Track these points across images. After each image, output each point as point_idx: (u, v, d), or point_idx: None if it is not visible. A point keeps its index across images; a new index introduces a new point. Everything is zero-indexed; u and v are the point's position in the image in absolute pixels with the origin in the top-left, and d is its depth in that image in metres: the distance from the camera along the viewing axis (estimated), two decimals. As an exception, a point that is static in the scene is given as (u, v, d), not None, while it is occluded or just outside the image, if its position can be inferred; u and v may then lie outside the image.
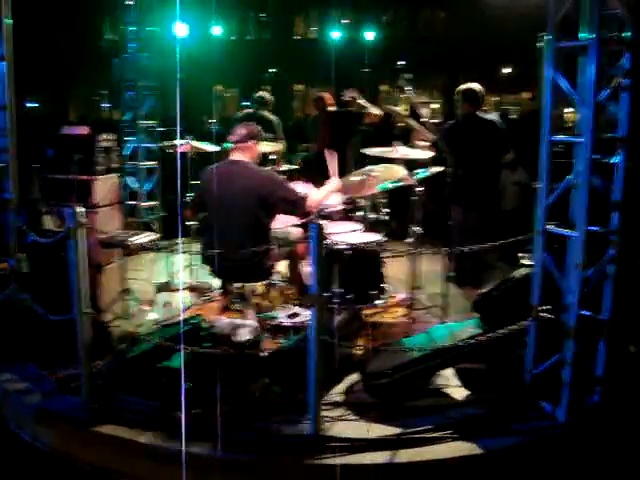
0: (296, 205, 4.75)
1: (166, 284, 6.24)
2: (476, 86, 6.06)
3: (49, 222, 5.16)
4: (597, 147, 3.51)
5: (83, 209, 3.86)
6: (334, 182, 5.04)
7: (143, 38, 8.18)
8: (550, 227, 3.66)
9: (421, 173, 5.23)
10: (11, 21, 4.55)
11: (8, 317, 4.73)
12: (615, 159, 3.58)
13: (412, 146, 5.69)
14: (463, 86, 6.10)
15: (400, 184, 5.20)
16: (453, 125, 6.12)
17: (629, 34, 3.45)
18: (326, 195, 4.94)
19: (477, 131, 5.98)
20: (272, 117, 7.89)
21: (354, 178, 5.45)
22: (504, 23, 19.90)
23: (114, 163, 5.90)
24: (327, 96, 7.92)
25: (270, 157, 6.80)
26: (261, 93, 8.05)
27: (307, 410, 3.54)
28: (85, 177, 5.49)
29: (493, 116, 6.51)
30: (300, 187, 5.91)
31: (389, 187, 5.24)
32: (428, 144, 5.56)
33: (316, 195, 4.84)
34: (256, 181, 4.68)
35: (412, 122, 5.76)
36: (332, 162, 5.07)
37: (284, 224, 5.26)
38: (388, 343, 4.68)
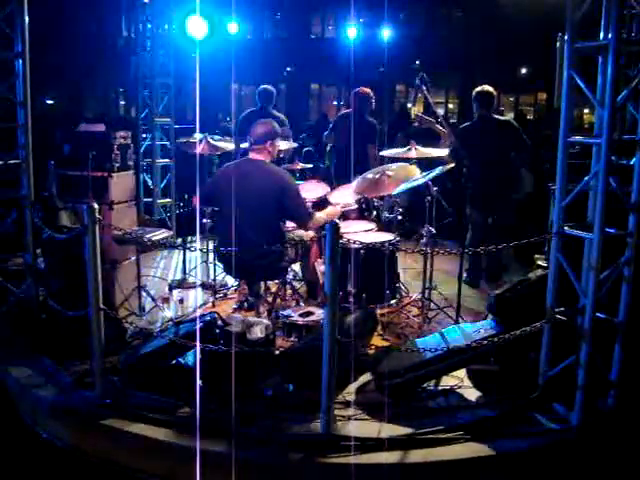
0: (301, 218, 4.82)
1: (180, 281, 6.26)
2: (488, 88, 6.14)
3: (65, 218, 5.19)
4: (615, 148, 3.47)
5: (98, 206, 3.88)
6: (336, 209, 5.21)
7: (159, 36, 8.23)
8: (566, 228, 3.64)
9: (434, 172, 5.21)
10: (27, 18, 4.58)
11: (24, 312, 4.76)
12: (633, 161, 3.55)
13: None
14: (477, 89, 6.15)
15: (416, 184, 5.19)
16: (469, 126, 6.17)
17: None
18: (326, 221, 4.93)
19: (493, 131, 6.01)
20: (278, 114, 7.49)
21: (369, 177, 5.45)
22: (521, 23, 19.81)
23: (130, 160, 5.93)
24: (372, 94, 7.31)
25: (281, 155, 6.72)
26: (266, 87, 7.58)
27: (319, 409, 3.54)
28: (101, 174, 5.52)
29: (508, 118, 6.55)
30: (314, 186, 5.92)
31: (407, 188, 5.23)
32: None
33: (320, 216, 4.87)
34: (273, 182, 4.67)
35: (441, 127, 5.79)
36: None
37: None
38: (401, 343, 4.68)
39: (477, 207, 6.18)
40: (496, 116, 6.24)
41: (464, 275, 5.77)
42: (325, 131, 7.94)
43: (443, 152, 5.55)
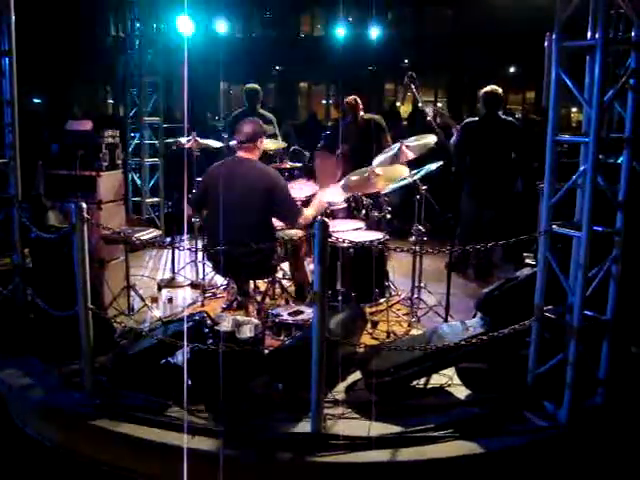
0: (291, 216, 4.80)
1: (169, 280, 6.25)
2: (494, 88, 6.26)
3: (53, 218, 5.17)
4: (602, 147, 3.49)
5: (87, 205, 3.86)
6: (322, 202, 5.17)
7: (147, 35, 8.21)
8: (554, 227, 3.65)
9: (423, 171, 5.21)
10: (14, 17, 4.55)
11: (12, 312, 4.73)
12: (620, 159, 3.58)
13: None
14: (484, 88, 6.30)
15: (404, 183, 5.20)
16: (472, 122, 6.28)
17: (635, 34, 3.44)
18: (315, 214, 4.91)
19: (495, 131, 6.11)
20: (267, 114, 7.52)
21: (357, 176, 5.45)
22: (510, 22, 19.87)
23: (118, 159, 5.91)
24: (359, 100, 7.48)
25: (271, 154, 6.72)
26: (253, 86, 7.55)
27: (309, 408, 3.54)
28: (89, 173, 5.51)
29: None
30: (303, 185, 5.93)
31: (395, 187, 5.24)
32: None
33: (308, 212, 4.86)
34: (262, 180, 4.67)
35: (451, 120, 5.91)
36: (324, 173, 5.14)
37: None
38: (390, 341, 4.69)
39: (471, 202, 6.23)
40: (503, 116, 6.31)
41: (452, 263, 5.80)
42: (313, 130, 7.98)
43: (432, 139, 5.54)
